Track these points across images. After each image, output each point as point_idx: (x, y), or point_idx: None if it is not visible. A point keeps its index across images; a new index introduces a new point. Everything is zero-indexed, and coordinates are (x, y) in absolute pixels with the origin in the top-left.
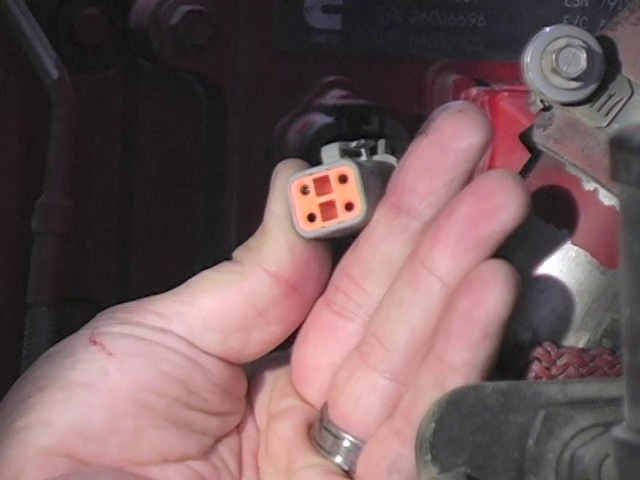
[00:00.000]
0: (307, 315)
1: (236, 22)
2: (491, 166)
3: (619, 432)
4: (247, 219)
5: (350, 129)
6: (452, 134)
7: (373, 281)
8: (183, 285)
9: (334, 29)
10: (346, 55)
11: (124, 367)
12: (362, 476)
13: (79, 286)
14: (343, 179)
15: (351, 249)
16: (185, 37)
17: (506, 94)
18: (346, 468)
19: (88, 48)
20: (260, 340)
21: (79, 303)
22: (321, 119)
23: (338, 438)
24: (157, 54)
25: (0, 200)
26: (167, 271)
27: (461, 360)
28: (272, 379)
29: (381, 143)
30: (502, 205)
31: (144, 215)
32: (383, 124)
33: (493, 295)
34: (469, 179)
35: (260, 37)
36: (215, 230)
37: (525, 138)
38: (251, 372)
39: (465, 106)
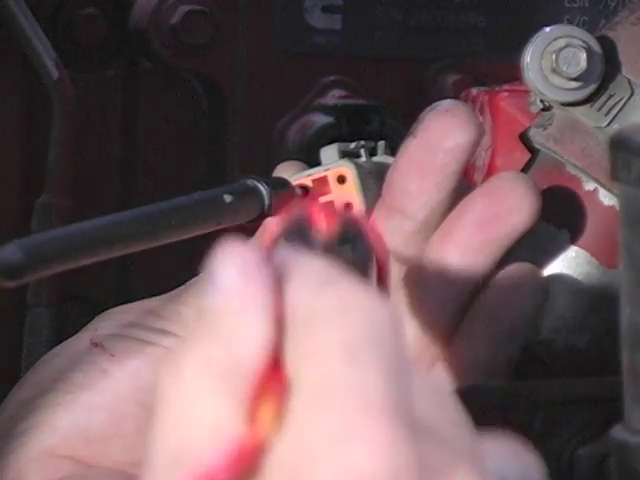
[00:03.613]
0: None
1: (236, 22)
2: (491, 166)
3: (619, 432)
4: None
5: (350, 129)
6: (439, 134)
7: None
8: (183, 286)
9: (334, 29)
10: (346, 55)
11: (125, 369)
12: None
13: (79, 286)
14: (342, 180)
15: None
16: (185, 37)
17: (506, 94)
18: None
19: (88, 48)
20: None
21: (79, 303)
22: (321, 119)
23: None
24: (157, 54)
25: (0, 200)
26: (167, 272)
27: (483, 360)
28: None
29: (380, 144)
30: (514, 207)
31: None
32: (383, 124)
33: (522, 297)
34: (463, 177)
35: (260, 37)
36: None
37: (525, 138)
38: None
39: (452, 105)
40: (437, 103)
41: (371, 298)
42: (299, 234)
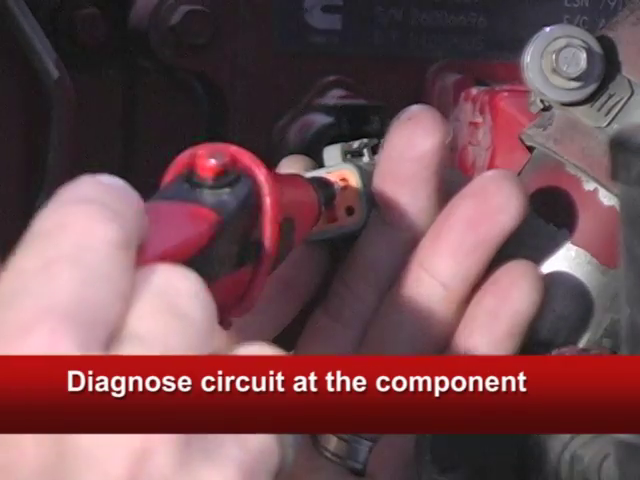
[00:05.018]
0: (303, 316)
1: (236, 22)
2: (491, 166)
3: None
4: None
5: (350, 129)
6: (404, 144)
7: (366, 286)
8: None
9: (334, 29)
10: (346, 55)
11: None
12: (374, 474)
13: None
14: (344, 182)
15: (349, 253)
16: (185, 37)
17: (506, 94)
18: (357, 467)
19: (88, 48)
20: (250, 337)
21: None
22: (321, 119)
23: (343, 440)
24: (157, 54)
25: (0, 200)
26: None
27: None
28: None
29: (383, 142)
30: (501, 207)
31: None
32: (383, 124)
33: (520, 294)
34: (459, 172)
35: (260, 37)
36: None
37: (525, 138)
38: None
39: (414, 112)
40: (403, 111)
41: (83, 218)
42: (186, 176)
